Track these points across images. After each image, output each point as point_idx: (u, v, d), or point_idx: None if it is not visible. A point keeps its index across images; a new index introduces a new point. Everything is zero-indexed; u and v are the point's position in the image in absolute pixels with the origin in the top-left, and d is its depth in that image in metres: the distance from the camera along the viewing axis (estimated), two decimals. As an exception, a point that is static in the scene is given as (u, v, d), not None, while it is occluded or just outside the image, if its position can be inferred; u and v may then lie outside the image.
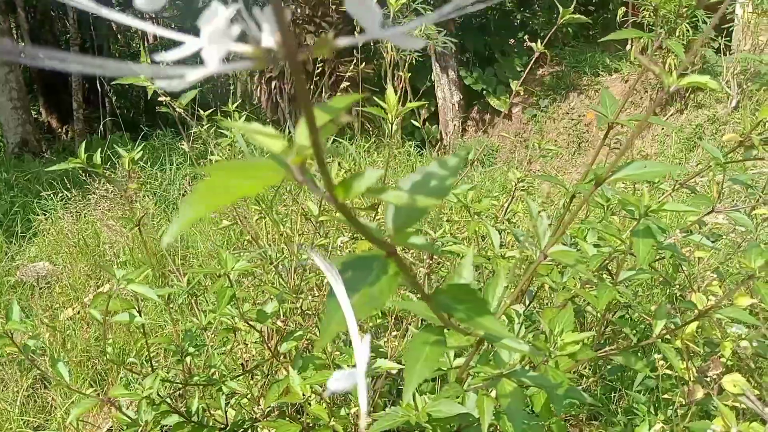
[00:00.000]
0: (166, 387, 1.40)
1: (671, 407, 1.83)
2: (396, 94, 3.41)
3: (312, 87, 8.34)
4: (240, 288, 2.40)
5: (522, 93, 9.53)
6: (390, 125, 1.24)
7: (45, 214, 4.36)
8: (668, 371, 1.51)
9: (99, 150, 1.42)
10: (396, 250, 0.43)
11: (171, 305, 1.79)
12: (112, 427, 2.18)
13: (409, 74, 3.91)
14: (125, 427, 1.30)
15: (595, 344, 1.64)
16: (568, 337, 0.98)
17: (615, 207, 1.49)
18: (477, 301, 0.49)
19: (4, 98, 9.82)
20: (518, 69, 9.55)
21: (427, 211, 0.42)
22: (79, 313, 2.83)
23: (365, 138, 7.10)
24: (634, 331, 1.76)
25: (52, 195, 4.41)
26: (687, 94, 8.18)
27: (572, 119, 8.99)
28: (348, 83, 8.31)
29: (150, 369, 1.32)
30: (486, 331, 0.49)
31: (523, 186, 1.90)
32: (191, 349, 1.40)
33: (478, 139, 9.42)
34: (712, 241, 1.58)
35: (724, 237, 1.97)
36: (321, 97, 8.19)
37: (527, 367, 1.10)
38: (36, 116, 12.89)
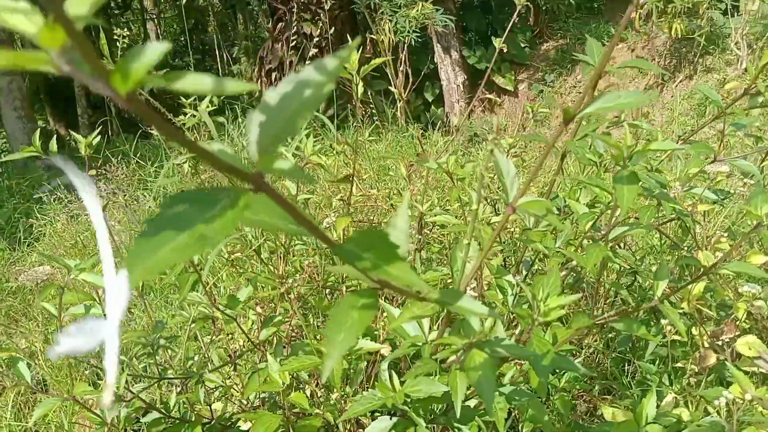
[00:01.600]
0: (139, 382, 1.32)
1: (684, 377, 1.72)
2: (397, 77, 3.26)
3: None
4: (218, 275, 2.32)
5: (527, 69, 9.37)
6: (355, 86, 1.14)
7: (45, 219, 4.33)
8: (677, 337, 1.40)
9: (54, 138, 1.33)
10: (262, 178, 0.34)
11: (146, 298, 1.71)
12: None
13: (411, 56, 3.78)
14: (97, 427, 1.22)
15: (599, 314, 1.53)
16: (553, 302, 0.88)
17: (609, 163, 1.39)
18: (385, 246, 0.40)
19: (8, 108, 9.82)
20: (522, 45, 9.37)
21: (300, 126, 0.33)
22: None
23: (369, 123, 6.99)
24: (639, 298, 1.65)
25: (52, 200, 4.36)
26: (695, 59, 7.97)
27: (579, 92, 8.81)
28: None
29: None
30: (394, 280, 0.39)
31: (515, 152, 1.79)
32: (162, 341, 1.32)
33: (485, 119, 9.27)
34: (721, 199, 1.47)
35: (734, 193, 1.85)
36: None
37: (513, 340, 1.00)
38: (44, 125, 12.95)
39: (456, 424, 1.08)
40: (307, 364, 1.22)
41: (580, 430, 1.75)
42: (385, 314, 1.65)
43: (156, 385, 1.34)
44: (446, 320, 0.80)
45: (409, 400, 1.02)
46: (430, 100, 9.35)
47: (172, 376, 1.35)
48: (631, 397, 1.70)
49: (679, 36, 7.58)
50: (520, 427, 1.63)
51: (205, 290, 1.24)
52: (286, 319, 1.55)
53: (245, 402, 1.57)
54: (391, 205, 2.21)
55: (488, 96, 8.72)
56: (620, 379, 2.08)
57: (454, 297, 0.60)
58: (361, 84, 1.21)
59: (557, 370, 1.50)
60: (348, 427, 1.55)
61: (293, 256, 1.72)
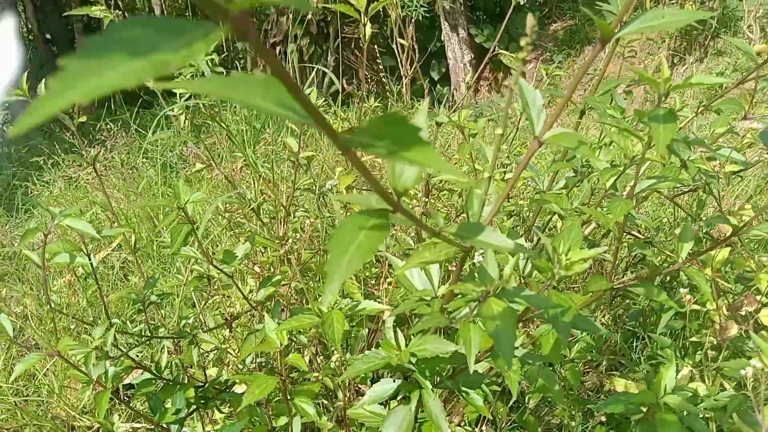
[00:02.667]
0: (129, 341, 1.25)
1: (700, 350, 1.66)
2: (404, 53, 3.16)
3: (316, 49, 8.11)
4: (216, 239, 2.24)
5: (536, 49, 9.23)
6: (363, 27, 1.05)
7: (45, 186, 4.26)
8: (696, 306, 1.33)
9: (42, 83, 1.25)
10: (247, 19, 0.26)
11: (138, 253, 1.64)
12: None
13: (417, 34, 3.69)
14: (82, 388, 1.16)
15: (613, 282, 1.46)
16: (575, 254, 0.80)
17: (631, 120, 1.31)
18: (404, 130, 0.32)
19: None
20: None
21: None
22: (70, 281, 2.71)
23: (375, 98, 6.86)
24: (663, 263, 1.57)
25: (50, 166, 4.29)
26: (706, 42, 7.82)
27: (588, 74, 8.68)
28: (353, 44, 8.07)
29: (107, 320, 1.17)
30: (416, 164, 0.32)
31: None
32: (153, 297, 1.25)
33: (491, 99, 9.15)
34: (744, 168, 1.39)
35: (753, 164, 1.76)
36: (327, 59, 7.97)
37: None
38: (46, 96, 12.84)
39: (463, 388, 1.01)
40: (306, 323, 1.15)
41: (592, 403, 1.69)
42: (389, 279, 1.58)
43: (147, 344, 1.28)
44: (459, 269, 0.72)
45: (414, 360, 0.95)
46: (436, 78, 9.21)
47: (163, 335, 1.29)
48: (640, 373, 1.63)
49: (691, 17, 7.41)
50: (526, 399, 1.57)
51: (200, 246, 1.17)
52: (285, 282, 1.48)
53: (241, 367, 1.50)
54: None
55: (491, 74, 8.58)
56: (629, 355, 2.01)
57: (474, 230, 0.53)
58: (369, 26, 1.13)
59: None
60: (347, 394, 1.49)
61: (294, 217, 1.65)
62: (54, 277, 2.83)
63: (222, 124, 1.50)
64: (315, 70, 4.80)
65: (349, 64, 8.47)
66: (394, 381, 1.02)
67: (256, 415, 1.39)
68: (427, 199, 1.59)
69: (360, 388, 1.66)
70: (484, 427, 1.45)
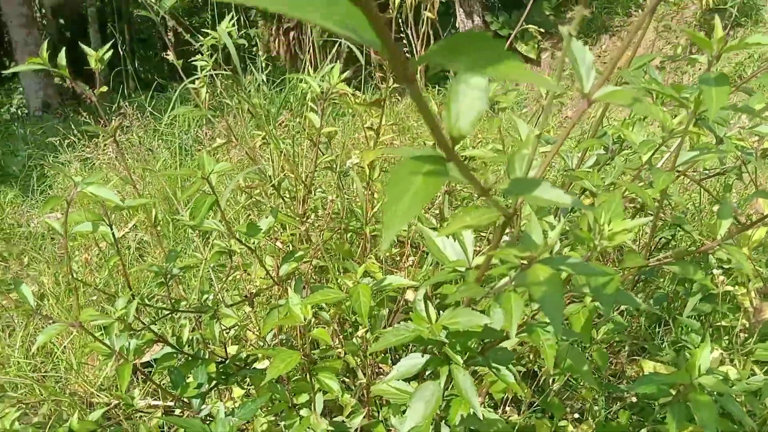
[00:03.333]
0: (151, 314, 1.24)
1: (726, 336, 1.62)
2: (418, 39, 3.11)
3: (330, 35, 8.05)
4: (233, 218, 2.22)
5: (551, 37, 9.14)
6: None
7: (61, 167, 4.26)
8: (729, 288, 1.30)
9: (64, 51, 1.23)
10: None
11: (159, 228, 1.62)
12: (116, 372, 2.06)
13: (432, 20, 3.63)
14: (102, 360, 1.14)
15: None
16: (617, 225, 0.77)
17: (665, 98, 1.27)
18: (489, 44, 0.29)
19: (25, 61, 9.74)
20: (547, 12, 9.11)
21: None
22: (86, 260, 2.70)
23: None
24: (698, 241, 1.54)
25: (66, 147, 4.29)
26: (727, 31, 7.69)
27: (604, 62, 8.58)
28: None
29: (128, 292, 1.16)
30: (506, 77, 0.29)
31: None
32: (175, 270, 1.23)
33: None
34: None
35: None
36: (341, 45, 7.91)
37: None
38: (60, 82, 12.88)
39: (494, 365, 0.99)
40: (331, 298, 1.13)
41: (615, 388, 1.66)
42: (411, 259, 1.56)
43: (169, 318, 1.26)
44: (499, 236, 0.70)
45: (445, 334, 0.92)
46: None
47: (185, 309, 1.27)
48: (666, 357, 1.60)
49: (711, 6, 7.32)
50: (550, 381, 1.55)
51: (223, 217, 1.15)
52: (306, 260, 1.46)
53: (261, 344, 1.49)
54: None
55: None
56: (651, 340, 1.98)
57: (529, 185, 0.50)
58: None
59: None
60: (367, 373, 1.47)
61: (314, 194, 1.62)
62: (72, 257, 2.83)
63: (242, 95, 1.47)
64: (335, 48, 4.74)
65: (361, 49, 8.41)
66: (422, 356, 1.00)
67: (276, 392, 1.37)
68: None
69: (381, 368, 1.64)
70: (507, 408, 1.42)
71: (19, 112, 10.68)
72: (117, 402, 1.91)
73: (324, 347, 1.44)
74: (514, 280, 0.71)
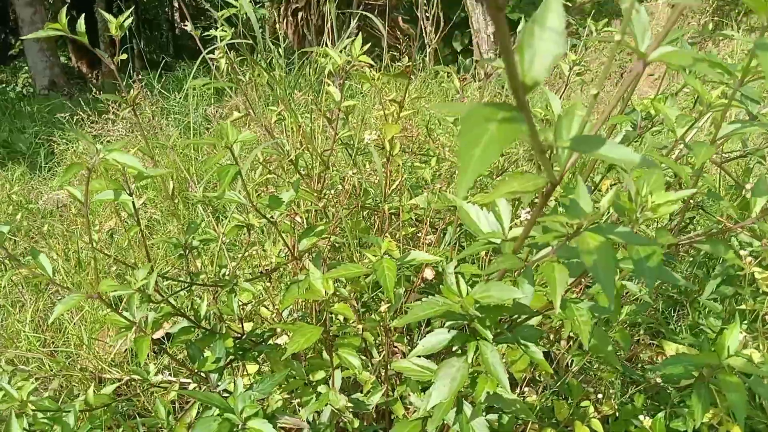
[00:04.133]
0: (169, 287, 1.22)
1: (748, 320, 1.60)
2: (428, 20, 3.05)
3: (339, 15, 7.98)
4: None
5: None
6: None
7: (68, 144, 4.24)
8: (757, 269, 1.27)
9: (82, 18, 1.20)
10: None
11: (176, 201, 1.60)
12: (128, 348, 2.05)
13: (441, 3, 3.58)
14: (120, 331, 1.13)
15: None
16: (659, 197, 0.75)
17: (700, 74, 1.24)
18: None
19: (31, 39, 9.69)
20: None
21: None
22: (98, 234, 2.69)
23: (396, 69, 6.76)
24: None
25: (74, 124, 4.26)
26: (739, 18, 7.60)
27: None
28: (377, 12, 7.94)
29: (148, 264, 1.13)
30: None
31: (579, 69, 1.64)
32: (195, 242, 1.21)
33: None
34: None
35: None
36: (350, 25, 7.84)
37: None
38: (66, 62, 12.83)
39: (523, 341, 0.96)
40: (354, 272, 1.11)
41: (632, 371, 1.64)
42: (429, 237, 1.53)
43: (188, 291, 1.24)
44: (542, 203, 0.67)
45: (474, 309, 0.90)
46: (458, 49, 9.04)
47: (203, 283, 1.25)
48: (681, 343, 1.58)
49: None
50: (569, 362, 1.53)
51: (245, 187, 1.12)
52: (325, 236, 1.43)
53: (277, 320, 1.47)
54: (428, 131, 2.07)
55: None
56: (666, 325, 1.96)
57: (595, 142, 0.47)
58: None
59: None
60: (386, 351, 1.45)
61: (332, 170, 1.60)
62: (80, 235, 2.81)
63: (261, 66, 1.44)
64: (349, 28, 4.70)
65: (370, 31, 8.33)
66: (448, 332, 0.98)
67: (292, 369, 1.36)
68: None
69: (396, 347, 1.62)
70: (526, 389, 1.41)
71: (24, 91, 10.64)
72: (128, 378, 1.90)
73: (339, 324, 1.42)
74: (558, 251, 0.69)
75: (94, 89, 3.46)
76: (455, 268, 0.90)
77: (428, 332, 1.92)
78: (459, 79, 1.57)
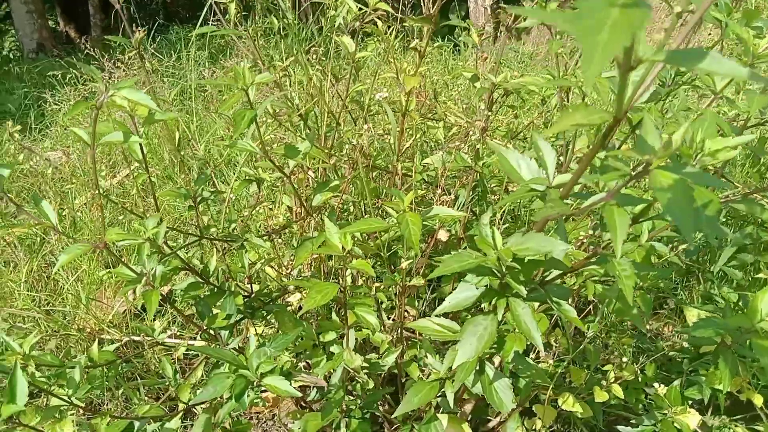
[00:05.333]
0: (177, 241, 1.16)
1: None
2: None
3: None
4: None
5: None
6: None
7: (59, 104, 4.13)
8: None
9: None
10: None
11: (182, 153, 1.53)
12: (126, 309, 2.00)
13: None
14: (126, 284, 1.07)
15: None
16: (715, 143, 0.70)
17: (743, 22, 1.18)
18: None
19: (18, 1, 9.43)
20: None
21: None
22: (93, 198, 2.62)
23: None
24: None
25: (64, 84, 4.15)
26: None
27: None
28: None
29: (157, 214, 1.08)
30: None
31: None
32: (206, 194, 1.15)
33: (511, 46, 8.88)
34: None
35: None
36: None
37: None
38: (54, 26, 12.55)
39: (555, 299, 0.92)
40: (375, 227, 1.06)
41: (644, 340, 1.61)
42: (443, 198, 1.49)
43: (197, 244, 1.19)
44: (604, 138, 0.62)
45: (507, 262, 0.85)
46: (455, 22, 8.91)
47: (214, 237, 1.19)
48: (710, 305, 1.55)
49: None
50: (586, 328, 1.49)
51: (260, 137, 1.06)
52: (337, 194, 1.38)
53: (284, 280, 1.42)
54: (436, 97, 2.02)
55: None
56: (674, 295, 1.93)
57: (695, 56, 0.42)
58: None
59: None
60: (399, 311, 1.41)
61: (343, 126, 1.54)
62: (75, 195, 2.74)
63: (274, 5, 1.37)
64: None
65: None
66: (476, 288, 0.93)
67: (302, 329, 1.31)
68: (489, 113, 1.47)
69: (407, 311, 1.58)
70: (542, 354, 1.37)
71: (10, 55, 10.41)
72: (128, 339, 1.85)
73: (350, 285, 1.38)
74: (614, 196, 0.64)
75: (85, 52, 3.34)
76: (489, 219, 0.85)
77: (434, 298, 1.88)
78: (477, 35, 1.51)
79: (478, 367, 1.06)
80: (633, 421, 1.59)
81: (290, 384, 0.96)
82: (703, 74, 0.42)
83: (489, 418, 1.61)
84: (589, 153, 0.64)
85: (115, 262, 1.97)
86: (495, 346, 1.00)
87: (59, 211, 2.54)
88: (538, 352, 1.42)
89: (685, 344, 1.33)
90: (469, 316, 1.28)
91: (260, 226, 1.69)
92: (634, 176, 0.59)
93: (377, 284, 1.22)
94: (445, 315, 1.06)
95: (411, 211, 1.12)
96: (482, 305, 0.96)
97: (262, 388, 1.01)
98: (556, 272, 0.95)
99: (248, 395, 0.99)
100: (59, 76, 3.81)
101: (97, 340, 1.19)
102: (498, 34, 9.38)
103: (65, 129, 3.69)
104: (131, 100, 0.87)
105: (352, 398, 1.39)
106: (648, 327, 1.91)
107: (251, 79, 0.97)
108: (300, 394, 0.96)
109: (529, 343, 1.12)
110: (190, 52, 4.65)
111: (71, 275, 2.08)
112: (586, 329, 0.98)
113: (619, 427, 1.56)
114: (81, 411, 1.77)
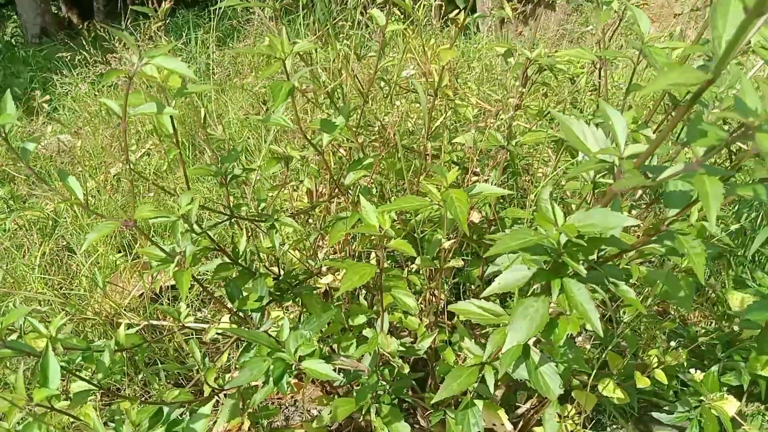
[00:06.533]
0: (204, 222, 1.12)
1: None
2: None
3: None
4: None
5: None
6: None
7: (65, 89, 4.07)
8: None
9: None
10: None
11: (208, 130, 1.48)
12: (143, 292, 1.96)
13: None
14: (156, 264, 1.03)
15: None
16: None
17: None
18: None
19: (21, -14, 9.33)
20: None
21: None
22: (104, 179, 2.58)
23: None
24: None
25: (71, 67, 4.08)
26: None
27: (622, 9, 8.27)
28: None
29: (188, 190, 1.03)
30: None
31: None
32: (237, 171, 1.11)
33: (517, 32, 8.78)
34: None
35: None
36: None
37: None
38: (56, 11, 12.44)
39: (612, 279, 0.88)
40: (415, 204, 1.01)
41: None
42: (474, 179, 1.44)
43: (229, 224, 1.14)
44: (689, 105, 0.57)
45: (566, 239, 0.81)
46: (461, 6, 8.81)
47: (245, 216, 1.15)
48: (752, 289, 1.51)
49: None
50: (619, 314, 1.45)
51: (295, 110, 1.01)
52: (367, 174, 1.33)
53: (312, 263, 1.38)
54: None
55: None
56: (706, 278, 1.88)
57: None
58: None
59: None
60: (428, 295, 1.37)
61: (371, 104, 1.49)
62: (86, 179, 2.69)
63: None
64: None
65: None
66: (528, 268, 0.89)
67: (331, 312, 1.27)
68: (524, 89, 1.42)
69: (434, 294, 1.54)
70: (579, 338, 1.33)
71: (13, 40, 10.32)
72: (146, 323, 1.81)
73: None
74: (701, 165, 0.59)
75: (89, 37, 3.29)
76: (549, 194, 0.80)
77: (455, 283, 1.84)
78: (510, 7, 1.46)
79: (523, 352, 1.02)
80: (666, 408, 1.55)
81: (331, 368, 0.92)
82: None
83: (518, 405, 1.57)
84: (675, 117, 0.59)
85: (142, 243, 1.93)
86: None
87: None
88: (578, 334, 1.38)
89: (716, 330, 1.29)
90: (497, 301, 1.23)
91: (281, 208, 1.64)
92: (734, 139, 0.54)
93: (413, 266, 1.17)
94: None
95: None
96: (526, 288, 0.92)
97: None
98: (609, 252, 0.91)
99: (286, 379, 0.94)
100: (68, 58, 3.75)
101: (123, 324, 1.14)
102: (504, 20, 9.28)
103: (74, 112, 3.64)
104: (166, 69, 0.83)
105: (382, 384, 1.35)
106: (673, 313, 1.87)
107: (289, 48, 0.92)
108: (342, 378, 0.92)
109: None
110: (197, 35, 4.59)
111: (86, 259, 2.04)
112: (645, 311, 0.93)
113: (654, 414, 1.52)
114: (98, 396, 1.74)
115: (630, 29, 4.03)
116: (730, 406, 1.40)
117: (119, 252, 2.20)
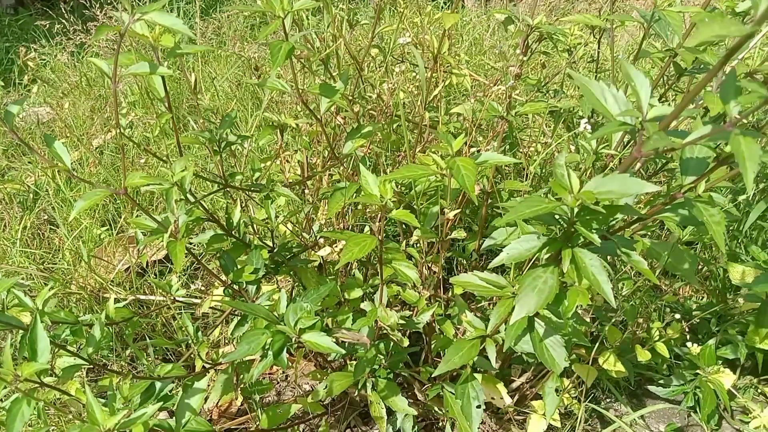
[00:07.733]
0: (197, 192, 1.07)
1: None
2: None
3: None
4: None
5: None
6: None
7: (43, 60, 3.95)
8: None
9: None
10: None
11: (199, 96, 1.42)
12: (130, 267, 1.91)
13: None
14: (147, 234, 0.98)
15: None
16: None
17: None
18: None
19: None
20: (555, -75, 8.64)
21: None
22: (83, 152, 2.51)
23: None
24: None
25: (50, 37, 3.96)
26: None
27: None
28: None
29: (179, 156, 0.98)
30: None
31: None
32: (232, 137, 1.06)
33: (505, 8, 8.69)
34: None
35: None
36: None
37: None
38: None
39: (624, 249, 0.85)
40: (419, 173, 0.98)
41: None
42: (473, 149, 1.41)
43: (223, 193, 1.10)
44: (722, 62, 0.54)
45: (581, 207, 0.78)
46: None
47: (239, 186, 1.10)
48: (752, 263, 1.50)
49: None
50: (620, 286, 1.43)
51: (293, 73, 0.97)
52: (364, 144, 1.29)
53: (307, 236, 1.34)
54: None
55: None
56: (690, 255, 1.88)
57: None
58: None
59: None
60: (423, 267, 1.34)
61: (366, 71, 1.44)
62: (68, 150, 2.61)
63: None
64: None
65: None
66: (538, 238, 0.86)
67: (326, 285, 1.24)
68: (524, 57, 1.38)
69: (431, 268, 1.51)
70: (579, 311, 1.31)
71: (-11, 10, 10.00)
72: (133, 298, 1.77)
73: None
74: (736, 126, 0.56)
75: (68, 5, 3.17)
76: (564, 160, 0.77)
77: (447, 259, 1.81)
78: None
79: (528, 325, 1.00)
80: (661, 382, 1.55)
81: (332, 340, 0.89)
82: None
83: (513, 378, 1.56)
84: (704, 78, 0.56)
85: (127, 217, 1.88)
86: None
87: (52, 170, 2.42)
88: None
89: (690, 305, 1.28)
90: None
91: (279, 172, 1.60)
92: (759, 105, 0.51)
93: (412, 239, 1.14)
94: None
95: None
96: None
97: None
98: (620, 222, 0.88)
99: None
100: (46, 27, 3.62)
101: (112, 297, 1.10)
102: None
103: (51, 85, 3.53)
104: (160, 25, 0.78)
105: (378, 358, 1.33)
106: (665, 287, 1.86)
107: (289, 6, 0.88)
108: (344, 351, 0.89)
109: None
110: (180, 4, 4.48)
111: (70, 233, 1.99)
112: (658, 282, 0.91)
113: (650, 387, 1.51)
114: (84, 372, 1.69)
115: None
116: (726, 378, 1.40)
117: (103, 226, 2.15)
